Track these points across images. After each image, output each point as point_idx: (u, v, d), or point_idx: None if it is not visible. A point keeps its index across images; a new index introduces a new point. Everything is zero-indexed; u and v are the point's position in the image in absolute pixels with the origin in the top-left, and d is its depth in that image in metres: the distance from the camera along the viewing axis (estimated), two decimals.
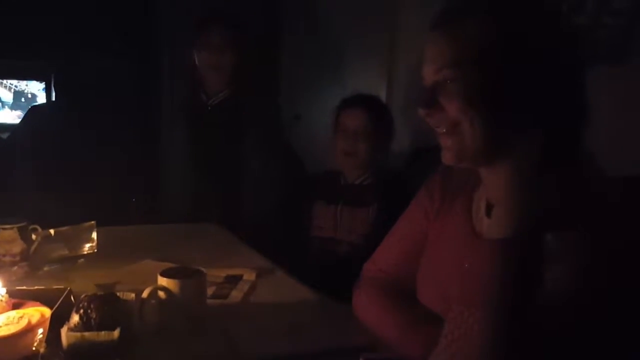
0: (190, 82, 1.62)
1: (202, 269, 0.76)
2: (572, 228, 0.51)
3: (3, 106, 2.68)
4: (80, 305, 0.63)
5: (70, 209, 1.11)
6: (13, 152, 1.62)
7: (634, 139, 1.00)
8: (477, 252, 0.56)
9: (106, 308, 0.63)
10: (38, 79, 2.70)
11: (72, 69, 1.68)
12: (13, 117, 2.67)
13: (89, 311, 0.62)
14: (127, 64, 2.16)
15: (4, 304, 0.64)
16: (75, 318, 0.62)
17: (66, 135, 1.57)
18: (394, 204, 1.11)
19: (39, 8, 2.42)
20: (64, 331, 0.60)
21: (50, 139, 1.57)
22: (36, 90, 2.73)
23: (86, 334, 0.60)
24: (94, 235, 1.06)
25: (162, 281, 0.71)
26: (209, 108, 1.58)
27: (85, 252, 1.04)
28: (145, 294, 0.69)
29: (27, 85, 2.71)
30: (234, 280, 0.92)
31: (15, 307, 0.65)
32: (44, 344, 0.61)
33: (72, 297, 0.75)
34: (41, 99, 2.71)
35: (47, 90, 2.68)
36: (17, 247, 0.93)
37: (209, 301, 0.78)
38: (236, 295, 0.86)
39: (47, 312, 0.64)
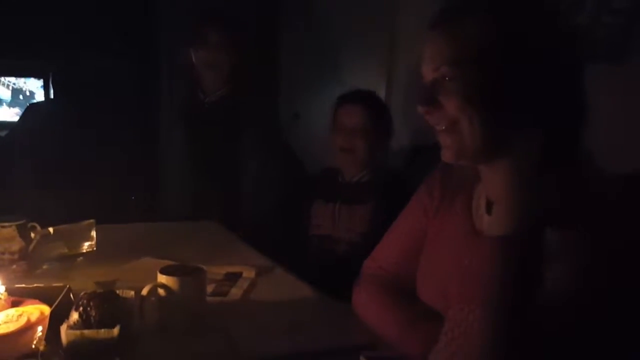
0: (188, 81, 1.62)
1: (202, 266, 0.76)
2: (572, 227, 0.52)
3: (1, 104, 2.67)
4: (80, 302, 0.63)
5: (69, 207, 1.11)
6: (11, 150, 1.61)
7: (633, 138, 1.00)
8: (477, 249, 0.56)
9: (106, 306, 0.63)
10: (36, 76, 2.69)
11: (71, 67, 1.67)
12: (11, 114, 2.66)
13: (89, 309, 0.62)
14: (126, 63, 2.16)
15: (3, 302, 0.64)
16: (74, 316, 0.62)
17: (65, 133, 1.57)
18: (392, 202, 1.11)
19: (38, 7, 2.41)
20: (63, 329, 0.60)
21: (49, 136, 1.57)
22: (34, 87, 2.72)
23: (86, 331, 0.60)
24: (93, 233, 1.06)
25: (162, 279, 0.71)
26: (207, 107, 1.58)
27: (85, 251, 1.04)
28: (144, 292, 0.69)
29: (25, 82, 2.70)
30: (234, 277, 0.92)
31: (15, 305, 0.65)
32: (43, 342, 0.61)
33: (71, 295, 0.74)
34: (39, 96, 2.70)
35: (45, 88, 2.68)
36: (16, 245, 0.92)
37: (208, 299, 0.78)
38: (236, 292, 0.86)
39: (46, 310, 0.64)
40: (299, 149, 1.71)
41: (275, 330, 0.73)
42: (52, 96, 2.22)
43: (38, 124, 1.62)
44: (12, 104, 2.69)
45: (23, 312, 0.62)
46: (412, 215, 0.78)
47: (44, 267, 0.96)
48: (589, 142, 0.58)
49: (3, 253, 0.91)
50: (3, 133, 1.81)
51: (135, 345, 0.65)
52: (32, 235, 0.97)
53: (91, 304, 0.62)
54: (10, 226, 0.92)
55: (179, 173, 1.66)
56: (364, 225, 1.22)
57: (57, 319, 0.63)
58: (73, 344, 0.59)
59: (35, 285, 0.77)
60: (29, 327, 0.60)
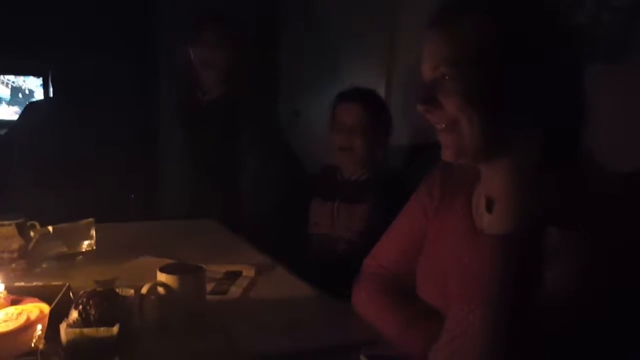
0: (186, 79, 1.62)
1: (202, 265, 0.76)
2: (572, 227, 0.52)
3: (0, 102, 2.67)
4: (79, 301, 0.63)
5: (68, 206, 1.10)
6: (10, 149, 1.61)
7: (633, 137, 1.00)
8: (477, 248, 0.56)
9: (105, 304, 0.62)
10: (35, 75, 2.69)
11: (70, 66, 1.67)
12: (10, 113, 2.66)
13: (88, 307, 0.62)
14: (125, 62, 2.15)
15: (2, 301, 0.64)
16: (74, 314, 0.62)
17: (64, 132, 1.57)
18: (391, 201, 1.10)
19: (37, 6, 2.41)
20: (63, 327, 0.60)
21: (48, 135, 1.56)
22: (34, 86, 2.71)
23: (85, 330, 0.60)
24: (93, 232, 1.06)
25: (162, 277, 0.71)
26: (205, 105, 1.58)
27: (84, 249, 1.04)
28: (144, 290, 0.69)
29: (24, 81, 2.70)
30: (234, 276, 0.92)
31: (14, 303, 0.65)
32: (42, 340, 0.61)
33: (71, 294, 0.74)
34: (39, 95, 2.70)
35: (45, 87, 2.67)
36: (16, 243, 0.92)
37: (208, 297, 0.78)
38: (235, 291, 0.86)
39: (45, 308, 0.63)
40: (300, 147, 1.71)
41: (275, 329, 0.73)
42: (51, 95, 2.22)
43: (37, 122, 1.62)
44: (11, 102, 2.69)
45: (22, 310, 0.62)
46: (412, 214, 0.78)
47: (44, 265, 0.96)
48: (589, 142, 0.58)
49: (2, 252, 0.91)
50: (2, 132, 1.81)
51: (135, 344, 0.65)
52: (32, 233, 0.97)
53: (91, 302, 0.62)
54: (9, 225, 0.92)
55: (178, 172, 1.66)
56: (363, 224, 1.22)
57: (56, 317, 0.62)
58: (72, 343, 0.59)
59: (34, 283, 0.77)
60: (28, 326, 0.60)
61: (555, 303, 0.51)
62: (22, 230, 0.94)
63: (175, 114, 1.74)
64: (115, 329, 0.60)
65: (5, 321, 0.60)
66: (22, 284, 0.77)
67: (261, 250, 1.10)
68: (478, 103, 0.56)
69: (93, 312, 0.61)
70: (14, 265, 0.91)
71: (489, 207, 0.60)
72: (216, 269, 0.92)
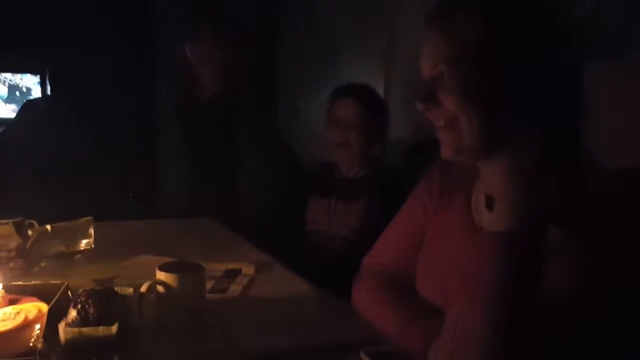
0: (184, 77, 1.61)
1: (201, 263, 0.75)
2: (572, 226, 0.51)
3: None
4: (78, 300, 0.62)
5: (66, 205, 1.10)
6: (8, 147, 1.60)
7: (633, 136, 1.00)
8: (477, 246, 0.56)
9: (104, 303, 0.62)
10: (33, 72, 2.67)
11: (68, 64, 1.66)
12: (7, 111, 2.65)
13: (87, 306, 0.61)
14: (124, 60, 2.14)
15: (0, 300, 0.64)
16: (72, 313, 0.61)
17: (61, 130, 1.56)
18: (388, 198, 1.10)
19: (34, 3, 2.39)
20: (61, 327, 0.60)
21: (46, 134, 1.56)
22: (31, 84, 2.70)
23: (84, 329, 0.59)
24: (91, 230, 1.05)
25: (161, 275, 0.70)
26: (202, 103, 1.57)
27: (82, 248, 1.04)
28: (143, 289, 0.68)
29: (21, 79, 2.68)
30: (233, 274, 0.92)
31: (12, 302, 0.64)
32: (41, 340, 0.60)
33: (69, 293, 0.74)
34: (36, 93, 2.69)
35: (42, 84, 2.66)
36: (13, 242, 0.92)
37: (207, 295, 0.78)
38: (235, 289, 0.86)
39: (44, 307, 0.63)
40: (300, 147, 1.71)
41: (275, 327, 0.73)
42: (48, 93, 2.21)
43: (35, 121, 1.61)
44: (8, 100, 2.67)
45: (21, 309, 0.62)
46: (412, 211, 0.78)
47: (42, 264, 0.96)
48: (589, 140, 0.58)
49: (0, 251, 0.91)
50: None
51: (134, 343, 0.65)
52: (30, 232, 0.96)
53: (89, 301, 0.62)
54: (7, 223, 0.92)
55: (176, 171, 1.65)
56: (360, 222, 1.22)
57: (55, 316, 0.62)
58: (71, 342, 0.59)
59: (32, 282, 0.77)
60: (26, 325, 0.59)
61: (556, 302, 0.51)
62: (20, 229, 0.94)
63: (173, 113, 1.74)
64: (114, 328, 0.60)
65: (3, 321, 0.59)
66: (20, 283, 0.76)
67: (260, 248, 1.09)
68: (477, 101, 0.56)
69: (92, 311, 0.61)
70: (11, 264, 0.91)
71: (489, 204, 0.60)
72: (215, 267, 0.92)
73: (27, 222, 0.96)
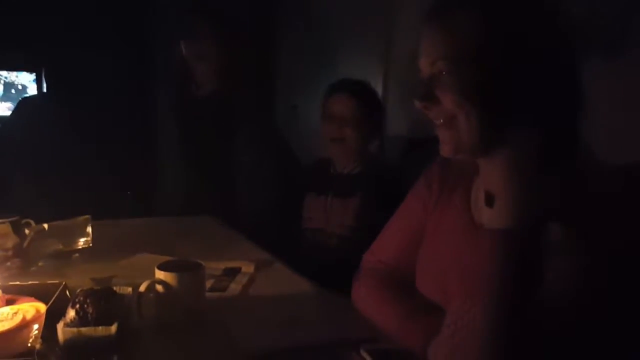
0: (180, 75, 1.61)
1: (201, 261, 0.75)
2: (573, 224, 0.51)
3: None
4: (77, 300, 0.62)
5: (63, 203, 1.09)
6: (4, 145, 1.59)
7: (632, 133, 0.99)
8: (476, 243, 0.55)
9: (103, 303, 0.62)
10: (28, 70, 2.66)
11: (64, 61, 1.65)
12: (3, 109, 2.63)
13: (86, 306, 0.61)
14: (120, 58, 2.13)
15: None
16: (71, 313, 0.61)
17: (58, 127, 1.55)
18: (383, 195, 1.09)
19: (29, 1, 2.37)
20: (60, 327, 0.59)
21: (42, 131, 1.55)
22: (27, 81, 2.68)
23: (83, 329, 0.59)
24: (89, 229, 1.04)
25: (160, 274, 0.70)
26: (199, 101, 1.56)
27: (80, 247, 1.03)
28: (142, 288, 0.68)
29: (17, 76, 2.67)
30: (233, 273, 0.92)
31: (9, 303, 0.64)
32: (39, 340, 0.60)
33: (67, 292, 0.74)
34: (32, 90, 2.67)
35: (38, 82, 2.64)
36: (10, 241, 0.91)
37: (207, 294, 0.78)
38: (235, 288, 0.85)
39: (42, 307, 0.63)
40: (300, 146, 1.70)
41: (275, 325, 0.73)
42: (44, 90, 2.19)
43: (31, 118, 1.60)
44: (4, 98, 2.66)
45: (18, 310, 0.61)
46: (411, 208, 0.78)
47: (39, 264, 0.95)
48: (588, 137, 0.58)
49: None
50: None
51: (134, 343, 0.64)
52: (27, 231, 0.95)
53: (88, 301, 0.61)
54: (3, 222, 0.91)
55: (173, 169, 1.64)
56: (357, 220, 1.21)
57: (53, 316, 0.62)
58: (70, 342, 0.59)
59: (30, 282, 0.76)
60: (24, 326, 0.59)
61: (556, 301, 0.51)
62: (17, 228, 0.93)
63: (170, 111, 1.73)
64: (113, 328, 0.59)
65: (0, 321, 0.59)
66: (18, 283, 0.76)
67: (259, 247, 1.09)
68: (475, 99, 0.56)
69: (90, 311, 0.61)
70: (8, 263, 0.90)
71: (489, 201, 0.60)
72: (215, 266, 0.92)
73: (24, 221, 0.95)
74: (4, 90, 2.65)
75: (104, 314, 0.61)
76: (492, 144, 0.57)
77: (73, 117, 1.56)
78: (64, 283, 0.75)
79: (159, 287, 0.69)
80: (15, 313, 0.60)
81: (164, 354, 0.66)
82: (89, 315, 0.60)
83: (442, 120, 0.59)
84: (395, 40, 1.73)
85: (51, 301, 0.67)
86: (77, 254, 1.01)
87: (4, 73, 2.63)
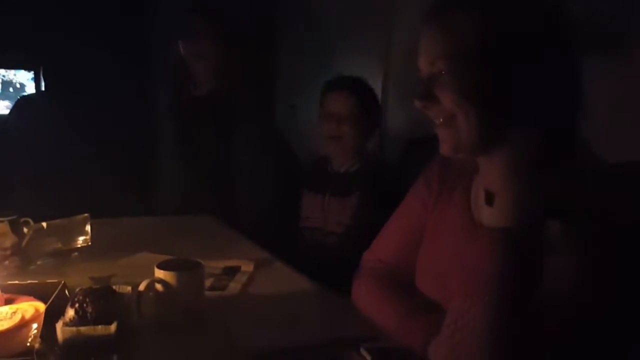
0: (179, 74, 1.60)
1: (200, 260, 0.75)
2: (573, 222, 0.51)
3: None
4: (76, 299, 0.62)
5: (61, 201, 1.09)
6: (1, 143, 1.58)
7: (632, 130, 1.00)
8: (476, 241, 0.55)
9: (102, 302, 0.62)
10: (27, 68, 2.65)
11: (63, 60, 1.64)
12: (1, 107, 2.62)
13: (85, 305, 0.61)
14: (119, 57, 2.11)
15: None
16: (70, 312, 0.61)
17: (57, 125, 1.54)
18: (381, 193, 1.09)
19: (30, 0, 2.36)
20: (59, 326, 0.59)
21: (40, 130, 1.54)
22: (25, 79, 2.67)
23: (82, 328, 0.59)
24: (88, 227, 1.04)
25: (159, 274, 0.70)
26: (198, 100, 1.56)
27: (79, 245, 1.03)
28: (142, 287, 0.68)
29: (15, 74, 2.66)
30: (232, 271, 0.91)
31: (8, 302, 0.64)
32: (38, 340, 0.60)
33: (66, 291, 0.73)
34: (30, 88, 2.66)
35: (36, 80, 2.63)
36: (9, 240, 0.91)
37: (207, 293, 0.77)
38: (234, 286, 0.85)
39: (41, 306, 0.63)
40: (300, 145, 1.70)
41: (275, 324, 0.73)
42: (42, 89, 2.18)
43: (29, 117, 1.59)
44: (2, 96, 2.65)
45: (17, 309, 0.61)
46: (411, 208, 0.78)
47: (38, 262, 0.95)
48: (588, 136, 0.58)
49: None
50: None
51: (133, 342, 0.64)
52: (25, 230, 0.95)
53: (87, 300, 0.61)
54: (2, 221, 0.91)
55: (171, 169, 1.64)
56: (354, 219, 1.21)
57: (52, 316, 0.61)
58: (69, 341, 0.59)
59: (29, 281, 0.76)
60: (23, 325, 0.59)
61: (556, 301, 0.51)
62: (15, 228, 0.92)
63: (167, 109, 1.72)
64: (112, 327, 0.59)
65: None
66: (16, 282, 0.75)
67: (259, 246, 1.09)
68: (475, 98, 0.56)
69: (90, 310, 0.60)
70: (7, 262, 0.90)
71: (488, 200, 0.60)
72: (214, 265, 0.92)
73: (22, 220, 0.95)
74: (2, 88, 2.64)
75: (104, 313, 0.60)
76: (492, 143, 0.57)
77: (71, 115, 1.56)
78: (63, 282, 0.75)
79: (159, 286, 0.69)
80: (14, 312, 0.60)
81: (164, 353, 0.66)
82: (88, 314, 0.60)
83: (441, 120, 0.59)
84: (394, 39, 1.73)
85: (50, 300, 0.66)
86: (76, 253, 1.01)
87: (2, 71, 2.62)
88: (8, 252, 0.91)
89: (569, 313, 0.51)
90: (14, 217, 0.93)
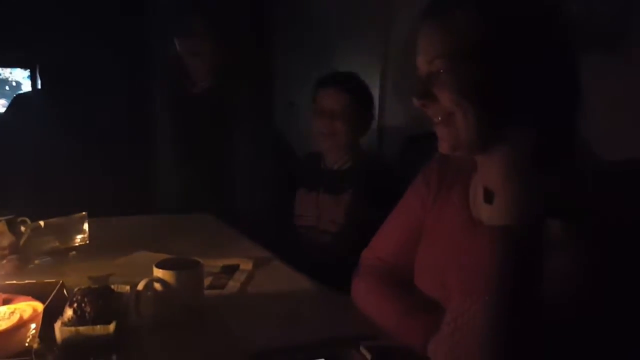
0: (175, 71, 1.59)
1: (199, 259, 0.74)
2: (573, 220, 0.51)
3: None
4: (74, 299, 0.62)
5: (58, 200, 1.08)
6: None
7: (631, 129, 1.00)
8: (475, 239, 0.55)
9: (101, 301, 0.61)
10: (22, 66, 2.63)
11: (59, 57, 1.64)
12: None
13: (83, 305, 0.61)
14: (116, 55, 2.11)
15: None
16: (69, 312, 0.61)
17: (53, 124, 1.53)
18: (374, 190, 1.08)
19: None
20: (57, 326, 0.59)
21: (37, 128, 1.53)
22: (20, 78, 2.65)
23: (81, 328, 0.59)
24: (86, 226, 1.04)
25: (158, 273, 0.70)
26: (194, 98, 1.55)
27: (77, 244, 1.02)
28: (140, 286, 0.68)
29: (11, 73, 2.64)
30: (231, 270, 0.91)
31: (6, 302, 0.63)
32: (37, 340, 0.60)
33: (65, 291, 0.73)
34: (26, 86, 2.64)
35: (32, 78, 2.62)
36: (6, 240, 0.90)
37: (206, 292, 0.77)
38: (233, 285, 0.85)
39: (39, 306, 0.62)
40: (300, 144, 1.69)
41: (274, 322, 0.73)
42: (38, 87, 2.17)
43: (25, 114, 1.58)
44: None
45: (15, 309, 0.61)
46: (410, 205, 0.78)
47: (36, 262, 0.95)
48: (588, 135, 0.58)
49: None
50: None
51: (132, 341, 0.64)
52: (22, 229, 0.95)
53: (86, 299, 0.61)
54: None
55: (168, 166, 1.64)
56: (348, 216, 1.20)
57: (50, 315, 0.61)
58: (68, 341, 0.58)
59: (27, 281, 0.76)
60: (21, 325, 0.58)
61: (556, 299, 0.51)
62: (13, 227, 0.92)
63: (165, 107, 1.72)
64: (111, 327, 0.59)
65: None
66: (14, 282, 0.75)
67: (257, 244, 1.09)
68: (473, 97, 0.56)
69: (88, 310, 0.60)
70: (5, 262, 0.90)
71: (488, 198, 0.60)
72: (213, 264, 0.92)
73: (19, 219, 0.94)
74: None
75: (102, 313, 0.60)
76: (491, 142, 0.57)
77: (67, 113, 1.55)
78: (61, 282, 0.74)
79: (157, 285, 0.69)
80: (12, 312, 0.60)
81: (163, 353, 0.65)
82: (86, 314, 0.60)
83: (440, 118, 0.59)
84: (393, 38, 1.72)
85: (48, 300, 0.66)
86: (74, 252, 1.01)
87: None
88: (6, 252, 0.90)
89: (568, 312, 0.52)
90: (11, 216, 0.93)
